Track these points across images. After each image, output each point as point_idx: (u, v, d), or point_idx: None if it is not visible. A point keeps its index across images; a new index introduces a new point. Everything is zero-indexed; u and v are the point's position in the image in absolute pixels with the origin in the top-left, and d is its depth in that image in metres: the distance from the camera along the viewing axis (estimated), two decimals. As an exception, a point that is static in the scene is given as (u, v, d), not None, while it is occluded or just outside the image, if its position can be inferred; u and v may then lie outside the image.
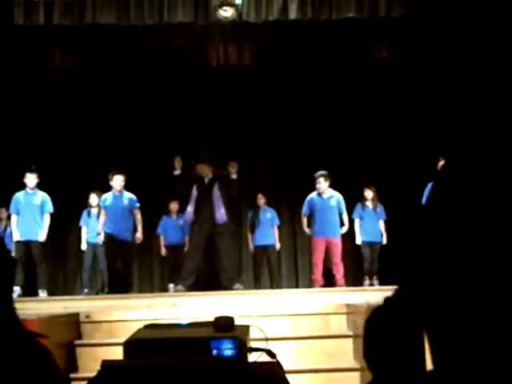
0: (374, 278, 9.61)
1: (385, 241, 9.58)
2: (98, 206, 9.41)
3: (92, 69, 10.51)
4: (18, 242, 8.75)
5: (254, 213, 10.03)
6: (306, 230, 9.35)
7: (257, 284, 10.22)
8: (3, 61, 9.83)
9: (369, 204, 9.69)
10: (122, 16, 8.51)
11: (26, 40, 9.62)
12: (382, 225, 9.66)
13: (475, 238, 0.89)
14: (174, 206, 10.03)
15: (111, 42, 9.93)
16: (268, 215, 9.99)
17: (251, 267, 10.52)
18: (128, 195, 8.97)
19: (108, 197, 8.96)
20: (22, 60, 10.06)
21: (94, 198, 9.70)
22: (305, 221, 9.34)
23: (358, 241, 9.68)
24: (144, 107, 10.84)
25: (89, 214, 9.84)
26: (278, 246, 10.05)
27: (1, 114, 10.24)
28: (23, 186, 8.86)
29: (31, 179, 8.84)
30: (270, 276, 10.23)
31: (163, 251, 10.11)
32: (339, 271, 8.97)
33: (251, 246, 10.09)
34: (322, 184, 9.01)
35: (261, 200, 10.02)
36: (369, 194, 9.64)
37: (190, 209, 8.65)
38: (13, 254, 8.60)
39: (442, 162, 9.23)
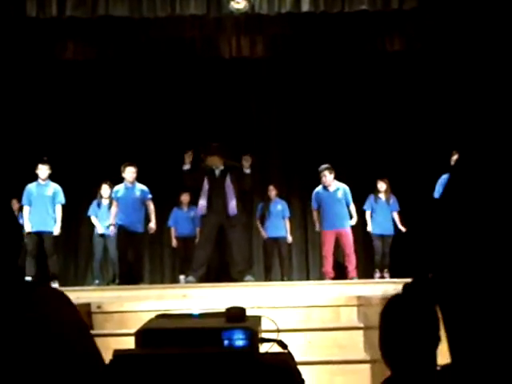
0: (385, 271, 9.58)
1: (403, 229, 9.54)
2: (110, 197, 9.43)
3: (104, 61, 10.52)
4: (29, 233, 8.77)
5: (265, 205, 10.02)
6: (317, 225, 9.34)
7: (267, 276, 10.22)
8: (16, 53, 9.87)
9: (382, 196, 9.66)
10: (135, 8, 8.51)
11: (38, 32, 9.63)
12: (395, 216, 9.62)
13: (493, 228, 0.89)
14: (185, 197, 10.05)
15: (123, 34, 9.93)
16: (279, 207, 9.98)
17: (262, 259, 10.51)
18: (140, 187, 9.03)
19: (120, 188, 9.01)
20: (35, 52, 10.07)
21: (105, 189, 9.69)
22: (315, 215, 9.33)
23: (369, 228, 9.66)
24: (156, 99, 10.85)
25: (99, 204, 9.82)
26: (289, 238, 10.04)
27: (14, 106, 10.28)
28: (35, 178, 8.90)
29: (43, 170, 8.87)
30: (281, 268, 10.22)
31: (174, 243, 10.14)
32: (351, 262, 8.96)
33: (264, 235, 10.02)
34: (328, 177, 9.04)
35: (272, 192, 10.01)
36: (382, 186, 9.61)
37: (202, 202, 8.66)
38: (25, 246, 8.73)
39: (455, 156, 9.20)
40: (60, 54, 10.34)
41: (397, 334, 1.97)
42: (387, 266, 9.58)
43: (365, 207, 9.65)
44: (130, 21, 9.19)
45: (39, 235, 8.86)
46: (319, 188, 9.19)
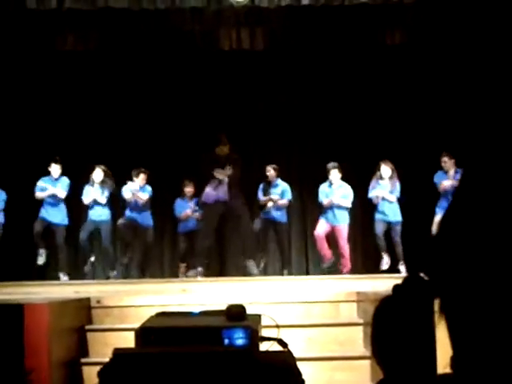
0: (400, 262, 9.11)
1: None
2: (102, 181, 9.39)
3: (104, 52, 10.48)
4: (41, 218, 9.26)
5: (265, 187, 9.70)
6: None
7: (262, 258, 9.92)
8: (17, 45, 9.83)
9: (385, 181, 9.29)
10: (134, 0, 8.48)
11: (38, 24, 9.60)
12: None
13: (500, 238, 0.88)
14: (189, 189, 9.83)
15: (123, 25, 9.88)
16: (279, 189, 9.66)
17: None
18: (148, 188, 9.53)
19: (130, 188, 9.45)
20: (35, 43, 10.04)
21: (98, 173, 9.45)
22: (328, 202, 9.27)
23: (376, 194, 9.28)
24: (155, 91, 10.82)
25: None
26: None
27: (14, 98, 10.26)
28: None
29: (56, 169, 9.35)
30: (281, 257, 9.95)
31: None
32: (345, 257, 9.14)
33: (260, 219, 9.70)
34: (335, 175, 9.24)
35: (270, 172, 9.65)
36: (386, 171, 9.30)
37: (210, 190, 8.82)
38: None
39: (445, 158, 9.17)
40: (60, 46, 10.30)
41: (389, 337, 1.94)
42: (402, 256, 9.14)
43: (370, 195, 9.31)
44: (129, 12, 9.16)
45: (49, 225, 9.31)
46: (325, 183, 9.37)
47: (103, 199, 9.34)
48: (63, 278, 9.24)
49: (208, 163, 8.90)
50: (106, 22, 9.76)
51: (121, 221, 9.49)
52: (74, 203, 9.52)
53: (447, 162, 9.03)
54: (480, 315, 0.91)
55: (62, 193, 9.27)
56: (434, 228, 8.89)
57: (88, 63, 10.59)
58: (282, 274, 9.69)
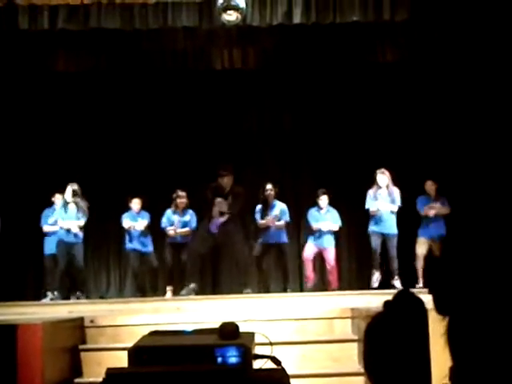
0: (395, 277, 9.03)
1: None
2: (75, 201, 9.30)
3: (97, 72, 10.52)
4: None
5: (263, 208, 9.63)
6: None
7: (265, 286, 9.94)
8: (9, 65, 9.86)
9: (383, 191, 9.20)
10: (127, 20, 8.51)
11: (31, 44, 9.63)
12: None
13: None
14: (182, 201, 9.62)
15: (116, 45, 9.94)
16: (277, 211, 9.57)
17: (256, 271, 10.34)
18: (145, 214, 9.69)
19: (128, 216, 9.65)
20: (28, 64, 10.07)
21: (68, 193, 9.34)
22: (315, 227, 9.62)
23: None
24: (148, 111, 10.85)
25: (65, 209, 9.39)
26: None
27: (7, 117, 10.28)
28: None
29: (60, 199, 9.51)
30: (284, 277, 9.80)
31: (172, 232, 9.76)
32: (334, 275, 9.50)
33: (258, 243, 9.65)
34: (323, 200, 9.60)
35: (270, 193, 9.60)
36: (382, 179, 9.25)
37: (220, 220, 8.88)
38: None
39: (430, 182, 9.32)
40: (52, 66, 10.33)
41: (380, 352, 1.94)
42: (396, 271, 9.05)
43: (367, 205, 9.22)
44: (122, 33, 9.19)
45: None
46: (313, 208, 9.68)
47: (79, 223, 9.32)
48: (81, 298, 9.20)
49: (212, 193, 8.99)
50: (99, 43, 9.80)
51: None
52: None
53: (430, 187, 9.35)
54: (484, 328, 0.93)
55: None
56: (417, 250, 9.06)
57: (81, 83, 10.63)
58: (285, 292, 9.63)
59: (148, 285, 10.24)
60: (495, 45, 8.99)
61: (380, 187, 9.16)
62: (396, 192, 9.18)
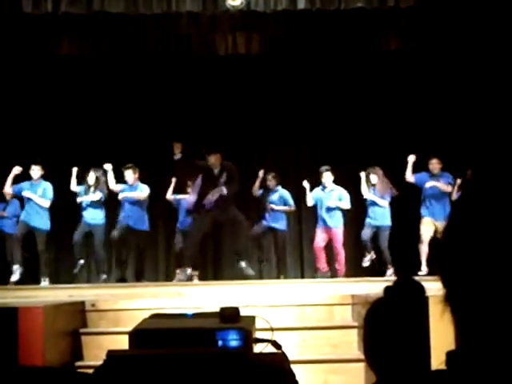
0: (388, 267, 9.09)
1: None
2: (95, 184, 9.26)
3: (99, 57, 10.48)
4: (22, 221, 8.98)
5: (265, 194, 9.73)
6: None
7: (260, 269, 9.97)
8: (12, 48, 9.83)
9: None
10: (130, 4, 8.49)
11: (34, 28, 9.60)
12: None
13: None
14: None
15: (119, 30, 9.90)
16: (278, 196, 9.67)
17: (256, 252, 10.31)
18: (142, 186, 9.29)
19: (124, 188, 9.28)
20: (30, 47, 10.04)
21: (92, 177, 9.34)
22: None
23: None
24: (151, 96, 10.82)
25: (86, 192, 9.38)
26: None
27: (8, 101, 10.26)
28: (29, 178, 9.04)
29: (35, 171, 9.06)
30: (278, 264, 9.91)
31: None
32: (340, 261, 9.22)
33: (261, 225, 9.70)
34: (328, 178, 9.36)
35: (271, 182, 9.72)
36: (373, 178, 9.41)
37: (192, 198, 8.74)
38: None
39: (434, 160, 9.19)
40: (55, 50, 10.31)
41: (381, 338, 1.94)
42: (390, 262, 9.14)
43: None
44: (125, 17, 9.17)
45: (31, 230, 9.02)
46: (318, 188, 9.48)
47: (96, 196, 9.18)
48: (43, 283, 8.95)
49: (195, 170, 8.87)
50: (102, 27, 9.76)
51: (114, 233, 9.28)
52: (58, 204, 9.36)
53: (435, 165, 9.14)
54: (485, 305, 0.92)
55: (46, 202, 9.02)
56: (422, 230, 8.99)
57: (83, 67, 10.60)
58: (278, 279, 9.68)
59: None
60: (503, 32, 8.94)
61: (373, 184, 9.38)
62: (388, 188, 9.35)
